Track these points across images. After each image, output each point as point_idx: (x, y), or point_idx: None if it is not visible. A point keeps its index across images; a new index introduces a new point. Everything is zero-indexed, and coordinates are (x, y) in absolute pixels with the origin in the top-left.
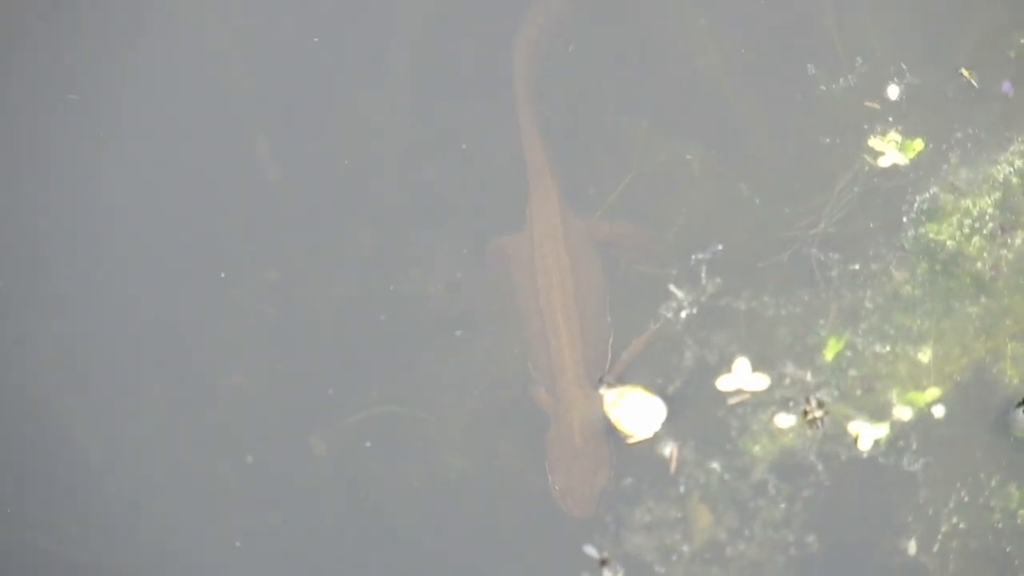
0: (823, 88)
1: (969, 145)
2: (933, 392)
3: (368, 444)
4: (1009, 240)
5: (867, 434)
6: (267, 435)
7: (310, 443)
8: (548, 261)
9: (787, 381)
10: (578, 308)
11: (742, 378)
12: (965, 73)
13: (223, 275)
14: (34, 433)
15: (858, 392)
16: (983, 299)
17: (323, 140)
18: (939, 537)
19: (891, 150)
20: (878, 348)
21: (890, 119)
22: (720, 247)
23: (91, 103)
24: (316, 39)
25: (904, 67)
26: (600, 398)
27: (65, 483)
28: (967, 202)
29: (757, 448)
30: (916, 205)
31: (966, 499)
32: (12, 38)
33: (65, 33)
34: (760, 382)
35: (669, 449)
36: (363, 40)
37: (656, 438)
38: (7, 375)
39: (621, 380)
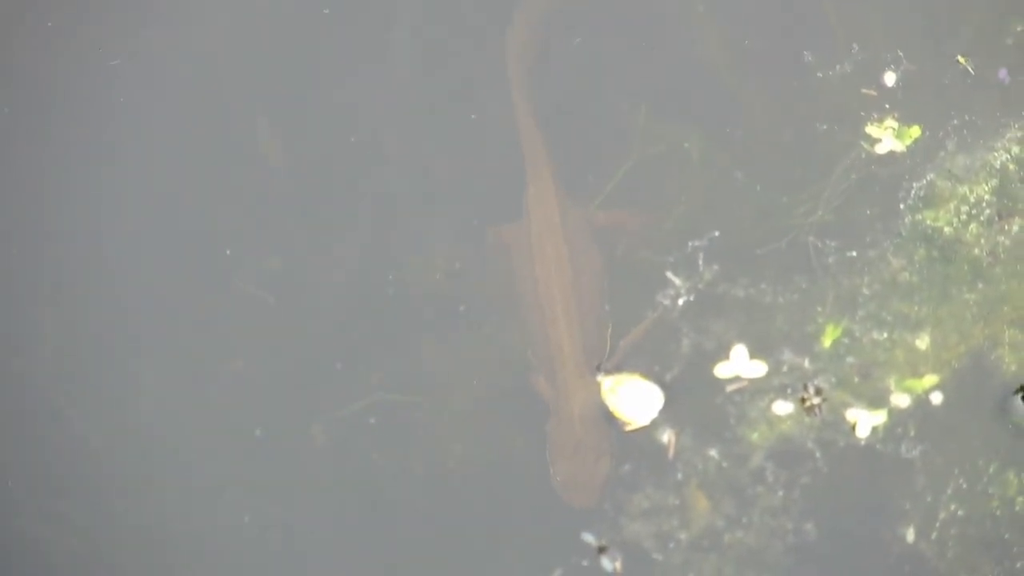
0: (820, 75)
1: (966, 132)
2: (931, 379)
3: (372, 421)
4: (1006, 227)
5: (865, 421)
6: (268, 421)
7: (312, 430)
8: (546, 250)
9: (785, 368)
10: (576, 297)
11: (740, 365)
12: (962, 60)
13: (228, 252)
14: (35, 422)
15: (856, 379)
16: (980, 286)
17: (324, 126)
18: (937, 524)
19: (888, 137)
20: (876, 335)
21: (887, 106)
22: (717, 234)
23: (86, 89)
24: (326, 10)
25: (901, 54)
26: (598, 386)
27: (66, 471)
28: (964, 189)
29: (755, 435)
30: (913, 192)
31: (964, 486)
32: (11, 28)
33: (66, 18)
34: (758, 369)
35: (667, 436)
36: (363, 26)
37: (654, 425)
38: (7, 364)
39: (619, 368)
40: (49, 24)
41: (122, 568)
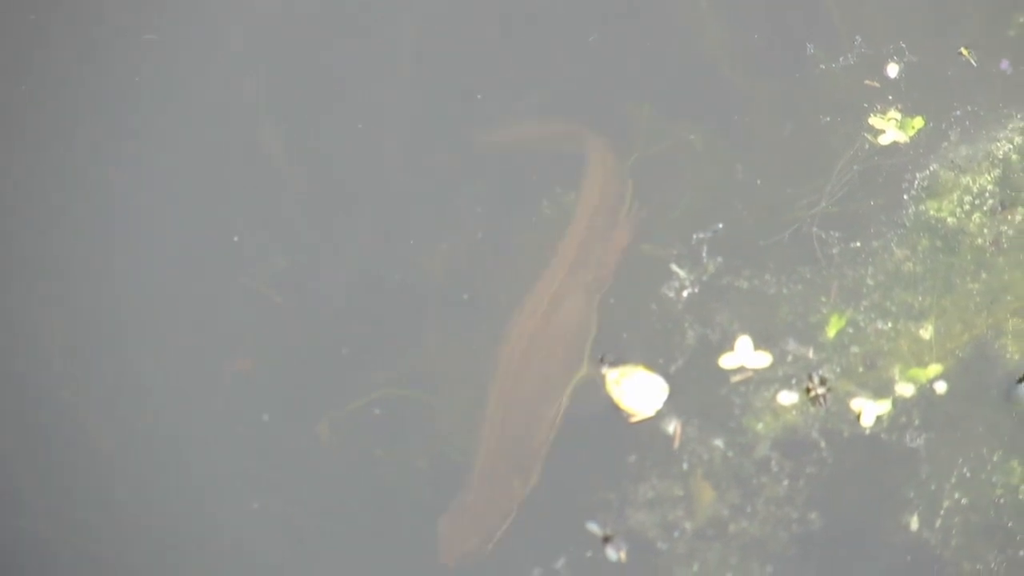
0: (822, 67)
1: (968, 123)
2: (935, 368)
3: (377, 411)
4: (1009, 216)
5: (869, 411)
6: (274, 419)
7: (317, 428)
8: None
9: (789, 359)
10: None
11: (744, 356)
12: (964, 52)
13: (236, 239)
14: (42, 423)
15: (860, 369)
16: (984, 275)
17: (329, 125)
18: (941, 512)
19: (891, 128)
20: (880, 325)
21: (890, 97)
22: (721, 226)
23: (91, 87)
24: None
25: (903, 45)
26: (603, 378)
27: (73, 470)
28: (967, 179)
29: (760, 425)
30: (916, 182)
31: (968, 475)
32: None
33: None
34: (762, 360)
35: (672, 427)
36: (372, 26)
37: (659, 416)
38: (13, 365)
39: (623, 360)
40: (32, 17)
41: (129, 569)
